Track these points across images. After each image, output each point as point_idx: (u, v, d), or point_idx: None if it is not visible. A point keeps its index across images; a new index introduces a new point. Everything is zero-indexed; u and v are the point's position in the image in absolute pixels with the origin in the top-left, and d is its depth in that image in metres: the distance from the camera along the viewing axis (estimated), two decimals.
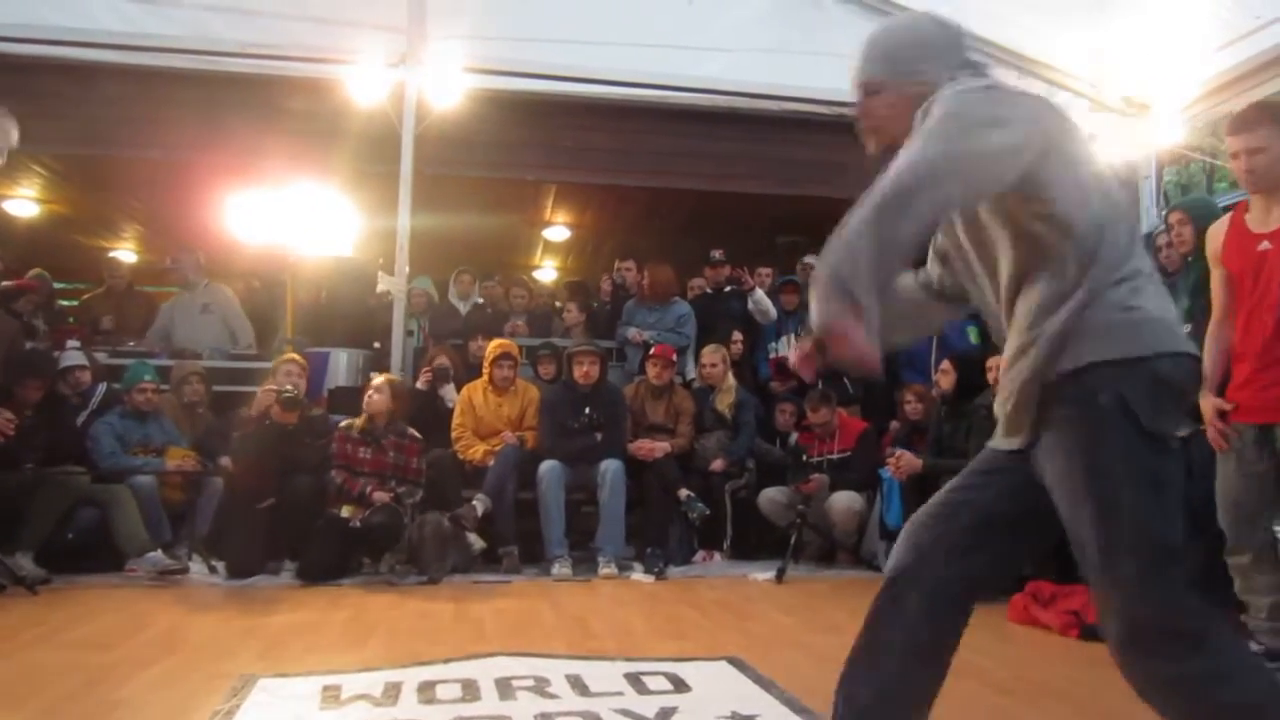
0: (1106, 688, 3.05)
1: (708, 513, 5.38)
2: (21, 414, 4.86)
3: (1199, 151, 6.36)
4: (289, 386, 5.24)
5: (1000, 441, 1.80)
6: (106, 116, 6.07)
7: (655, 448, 5.55)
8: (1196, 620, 1.56)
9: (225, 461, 5.23)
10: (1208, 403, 3.19)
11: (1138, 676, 1.63)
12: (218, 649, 3.39)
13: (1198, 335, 3.87)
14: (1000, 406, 1.78)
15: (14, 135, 3.97)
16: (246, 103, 6.10)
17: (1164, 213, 6.00)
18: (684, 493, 5.37)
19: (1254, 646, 3.14)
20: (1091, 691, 3.01)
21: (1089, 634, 3.68)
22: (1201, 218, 3.91)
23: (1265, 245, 3.05)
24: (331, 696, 2.75)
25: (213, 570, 4.95)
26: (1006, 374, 1.73)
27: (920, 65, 1.76)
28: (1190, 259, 4.22)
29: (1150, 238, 5.29)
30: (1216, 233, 3.25)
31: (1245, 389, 3.12)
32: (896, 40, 1.83)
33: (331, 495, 4.99)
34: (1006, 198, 1.61)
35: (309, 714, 2.59)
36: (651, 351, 6.01)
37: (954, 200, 1.60)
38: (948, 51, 1.78)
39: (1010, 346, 1.71)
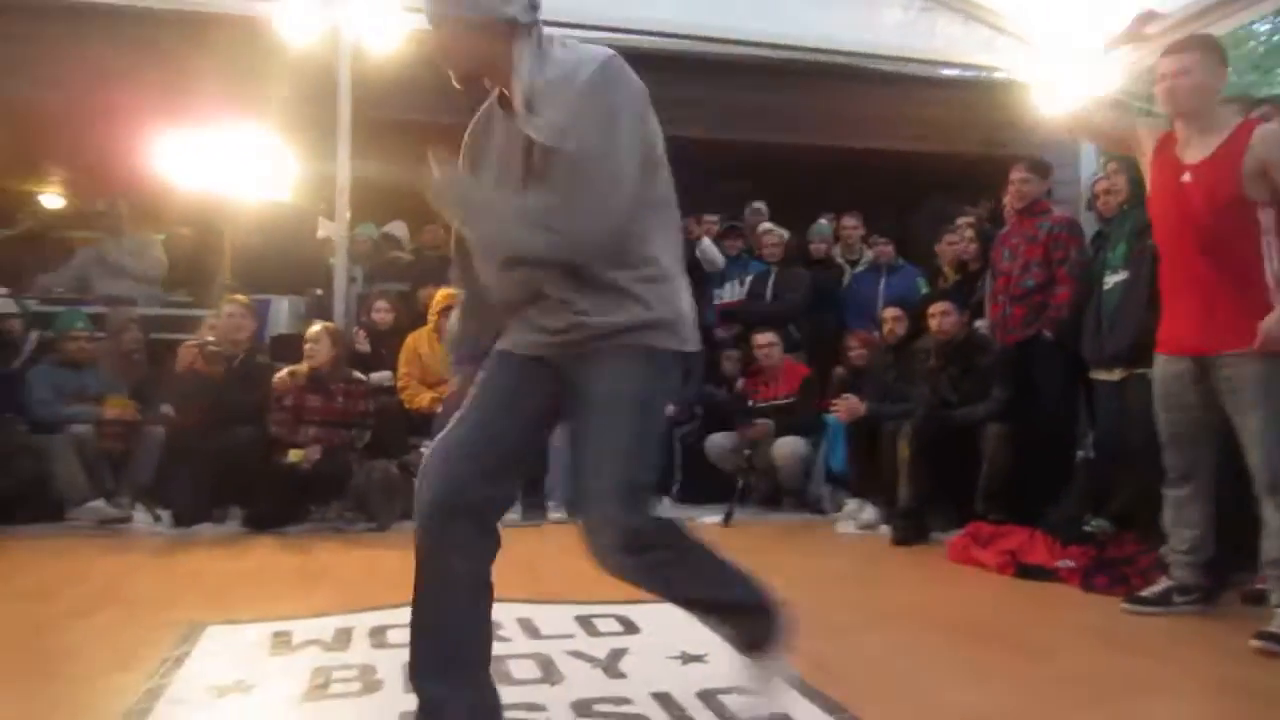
0: (1041, 624, 3.19)
1: None
2: None
3: (1137, 98, 6.46)
4: (209, 336, 5.22)
5: None
6: (19, 54, 5.81)
7: None
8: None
9: (165, 410, 5.13)
10: None
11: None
12: (164, 597, 3.36)
13: (1137, 279, 3.97)
14: None
15: None
16: (171, 40, 5.85)
17: (1103, 160, 6.11)
18: None
19: (1165, 582, 3.26)
20: (1025, 627, 3.14)
21: (1023, 573, 3.83)
22: (1136, 166, 3.98)
23: (1186, 177, 3.07)
24: (282, 642, 2.75)
25: (157, 519, 4.88)
26: None
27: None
28: (1126, 206, 4.31)
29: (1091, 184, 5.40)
30: (1147, 147, 3.23)
31: (1177, 322, 3.17)
32: None
33: (274, 443, 4.94)
34: None
35: (260, 660, 2.60)
36: None
37: None
38: None
39: None
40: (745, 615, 2.08)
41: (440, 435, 1.99)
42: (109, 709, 2.20)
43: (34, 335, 5.51)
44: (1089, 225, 5.23)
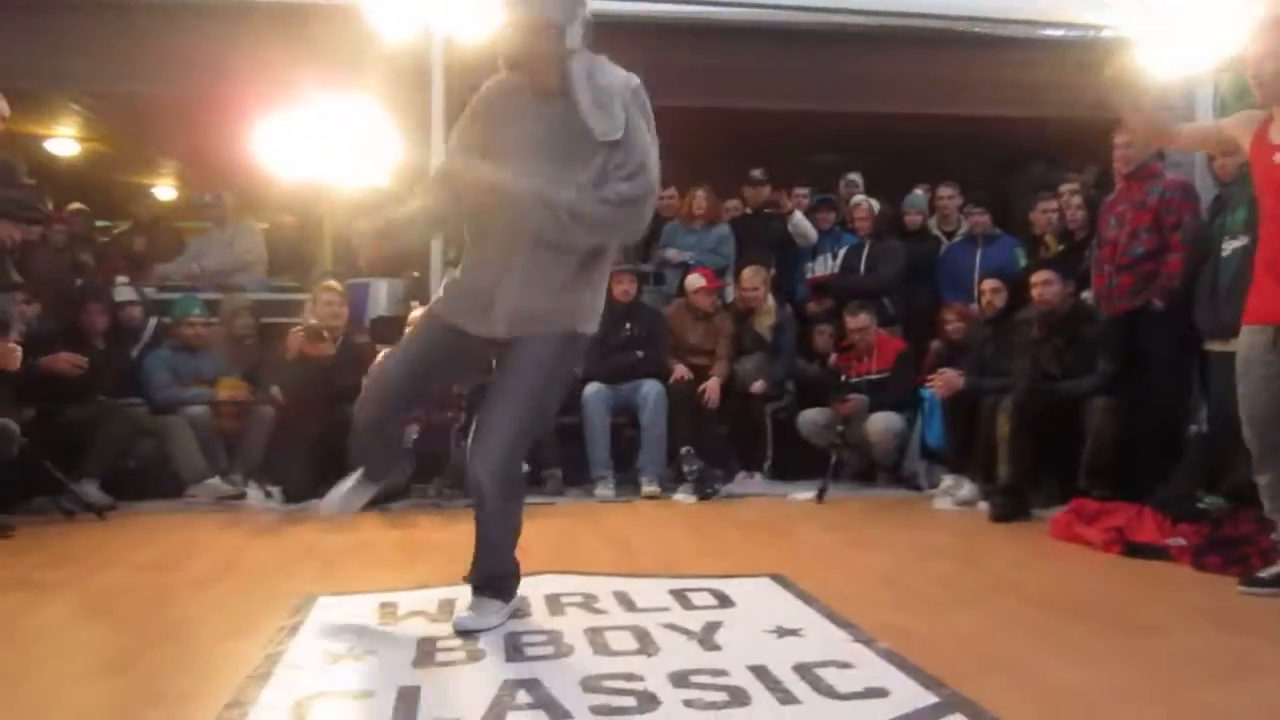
0: (1149, 603, 3.08)
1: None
2: (91, 345, 5.02)
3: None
4: (312, 320, 5.38)
5: None
6: (135, 51, 6.05)
7: (711, 392, 5.58)
8: None
9: (275, 391, 5.33)
10: None
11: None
12: (277, 569, 3.52)
13: (1256, 244, 3.78)
14: None
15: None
16: (272, 31, 6.03)
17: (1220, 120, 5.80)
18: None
19: None
20: (1132, 606, 3.04)
21: (1131, 551, 3.70)
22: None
23: (1277, 158, 2.98)
24: (389, 612, 2.86)
25: (269, 495, 5.09)
26: None
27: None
28: (1246, 169, 4.09)
29: None
30: (1245, 133, 3.14)
31: (1266, 295, 3.05)
32: None
33: None
34: None
35: (370, 629, 2.70)
36: (696, 281, 5.94)
37: None
38: None
39: None
40: (507, 575, 2.78)
41: (392, 361, 2.75)
42: (232, 672, 2.31)
43: (153, 321, 5.80)
44: (1208, 191, 4.98)
